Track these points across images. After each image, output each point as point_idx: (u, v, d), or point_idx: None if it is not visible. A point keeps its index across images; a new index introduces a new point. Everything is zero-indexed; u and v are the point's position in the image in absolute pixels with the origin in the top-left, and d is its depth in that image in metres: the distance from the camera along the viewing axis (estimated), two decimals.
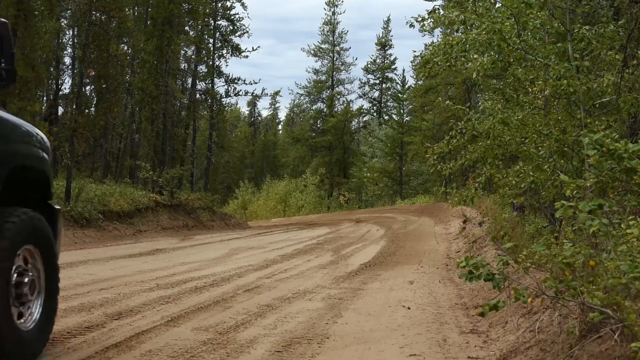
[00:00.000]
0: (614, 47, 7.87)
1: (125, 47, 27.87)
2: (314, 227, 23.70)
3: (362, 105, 57.80)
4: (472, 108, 16.78)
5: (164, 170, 25.39)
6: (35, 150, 4.67)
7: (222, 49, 36.23)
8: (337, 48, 55.20)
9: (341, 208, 44.64)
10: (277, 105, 70.02)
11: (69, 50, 31.33)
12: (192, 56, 34.79)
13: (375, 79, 57.68)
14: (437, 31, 30.91)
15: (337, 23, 54.81)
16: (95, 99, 28.10)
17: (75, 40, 29.40)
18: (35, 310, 4.35)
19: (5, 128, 4.30)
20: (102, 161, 31.26)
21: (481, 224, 13.32)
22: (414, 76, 48.59)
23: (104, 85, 23.22)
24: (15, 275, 4.06)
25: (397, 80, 55.05)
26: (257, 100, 65.82)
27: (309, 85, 55.75)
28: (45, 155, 4.80)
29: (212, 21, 35.66)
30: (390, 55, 56.90)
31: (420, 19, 8.99)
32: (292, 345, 5.09)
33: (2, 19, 4.34)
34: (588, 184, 4.08)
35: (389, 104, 58.09)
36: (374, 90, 58.18)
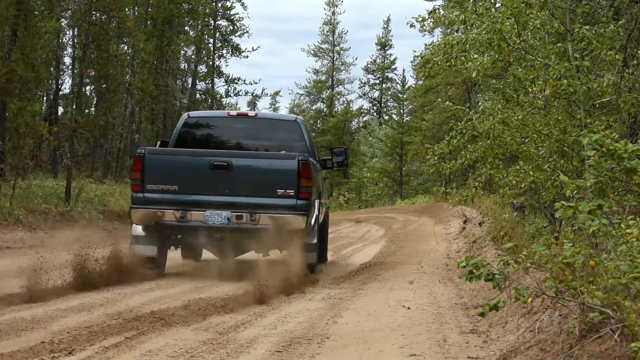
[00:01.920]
0: (614, 47, 7.87)
1: (125, 47, 27.86)
2: None
3: (362, 105, 57.77)
4: (472, 108, 16.78)
5: None
6: (327, 186, 11.86)
7: (222, 49, 36.29)
8: (337, 48, 55.19)
9: (341, 208, 44.60)
10: (277, 105, 70.01)
11: (69, 50, 31.34)
12: (192, 56, 34.84)
13: (375, 79, 57.66)
14: (437, 31, 30.91)
15: (337, 23, 54.80)
16: (95, 99, 28.08)
17: (75, 40, 29.38)
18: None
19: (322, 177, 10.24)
20: (102, 161, 31.26)
21: (481, 224, 13.33)
22: (414, 76, 48.62)
23: (104, 85, 23.21)
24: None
25: (397, 80, 55.05)
26: (257, 100, 65.63)
27: (308, 85, 55.74)
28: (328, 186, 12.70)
29: (212, 21, 35.70)
30: (390, 55, 56.86)
31: (420, 19, 9.00)
32: (292, 345, 5.09)
33: (343, 147, 10.55)
34: (588, 184, 4.09)
35: (389, 104, 58.09)
36: (374, 90, 58.17)
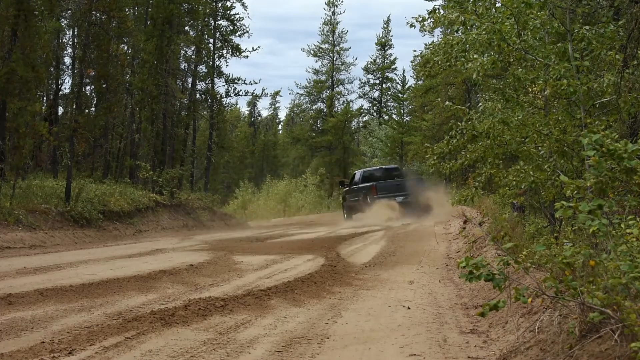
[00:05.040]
0: (614, 47, 7.85)
1: (125, 47, 27.84)
2: (313, 227, 23.70)
3: (362, 105, 57.72)
4: (472, 108, 16.77)
5: (164, 170, 25.37)
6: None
7: (222, 49, 36.20)
8: (337, 48, 55.15)
9: (341, 207, 44.52)
10: (277, 105, 70.01)
11: (69, 50, 31.34)
12: (192, 56, 34.77)
13: (375, 79, 57.62)
14: (437, 31, 30.88)
15: (337, 23, 54.74)
16: (95, 99, 28.09)
17: (75, 40, 29.38)
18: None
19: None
20: (102, 161, 31.26)
21: (481, 224, 13.31)
22: (414, 76, 48.59)
23: (104, 85, 23.22)
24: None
25: (397, 80, 55.04)
26: (257, 100, 65.79)
27: (308, 85, 55.72)
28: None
29: (212, 21, 35.64)
30: (390, 55, 56.80)
31: (420, 19, 8.97)
32: (292, 345, 5.09)
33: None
34: (588, 184, 4.08)
35: (389, 104, 58.05)
36: (374, 90, 58.13)
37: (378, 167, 27.99)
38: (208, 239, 17.43)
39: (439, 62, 8.80)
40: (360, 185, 25.69)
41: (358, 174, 27.20)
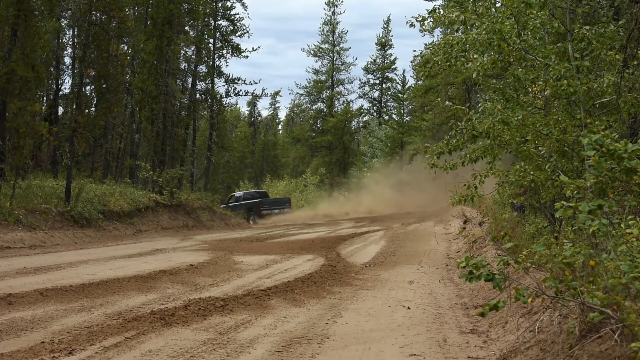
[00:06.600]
0: (614, 47, 7.84)
1: (125, 47, 27.84)
2: (313, 227, 23.70)
3: (362, 105, 57.76)
4: (472, 108, 16.76)
5: (164, 170, 25.37)
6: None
7: (222, 49, 36.22)
8: (337, 48, 55.17)
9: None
10: (277, 105, 70.00)
11: (69, 50, 31.36)
12: (192, 56, 34.79)
13: (375, 79, 57.64)
14: (437, 31, 30.92)
15: (337, 23, 54.78)
16: (95, 99, 28.07)
17: (75, 40, 29.39)
18: None
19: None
20: (102, 161, 31.26)
21: (481, 224, 13.31)
22: (414, 76, 48.63)
23: (104, 85, 23.20)
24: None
25: (397, 80, 55.08)
26: (257, 100, 65.74)
27: (308, 85, 55.73)
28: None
29: (212, 21, 35.66)
30: (390, 55, 56.85)
31: (420, 18, 8.96)
32: (292, 345, 5.09)
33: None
34: (588, 184, 4.08)
35: (389, 104, 58.08)
36: (374, 90, 58.16)
37: (254, 191, 37.60)
38: (208, 239, 17.43)
39: (439, 62, 8.78)
40: (245, 202, 33.33)
41: (239, 194, 35.30)
